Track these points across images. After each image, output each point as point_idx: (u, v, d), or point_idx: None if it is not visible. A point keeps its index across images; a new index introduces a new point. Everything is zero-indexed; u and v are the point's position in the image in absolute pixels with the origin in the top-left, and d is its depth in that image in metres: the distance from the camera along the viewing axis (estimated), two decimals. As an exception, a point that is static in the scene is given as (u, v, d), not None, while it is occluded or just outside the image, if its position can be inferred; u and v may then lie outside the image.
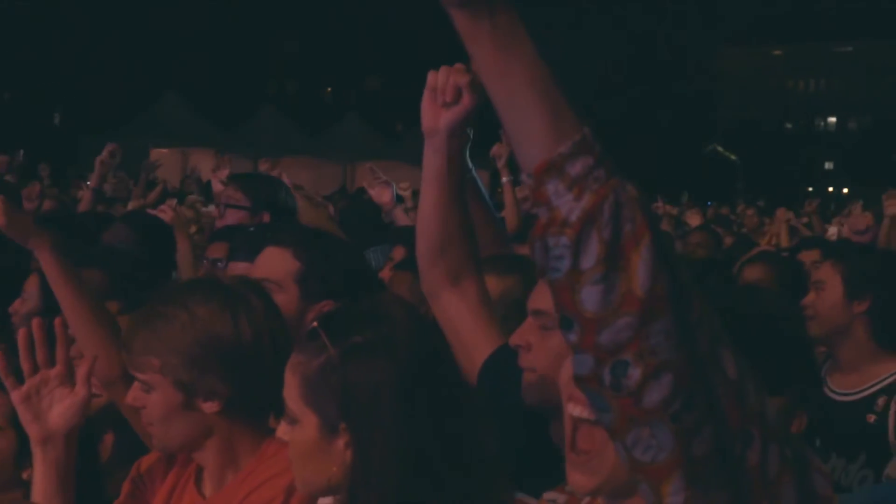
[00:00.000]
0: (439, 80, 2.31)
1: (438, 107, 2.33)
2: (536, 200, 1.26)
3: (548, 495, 1.76)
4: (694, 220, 11.30)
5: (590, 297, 1.23)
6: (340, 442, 1.78)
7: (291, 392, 1.82)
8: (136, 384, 2.19)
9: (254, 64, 32.49)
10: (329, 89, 38.49)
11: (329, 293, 2.62)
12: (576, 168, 1.24)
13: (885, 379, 3.61)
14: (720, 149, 52.59)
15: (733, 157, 52.21)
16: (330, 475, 1.80)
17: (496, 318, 2.48)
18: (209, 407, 2.15)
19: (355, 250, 3.09)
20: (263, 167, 4.48)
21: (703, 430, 1.27)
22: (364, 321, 1.84)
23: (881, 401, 3.59)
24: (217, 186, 5.29)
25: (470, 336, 2.43)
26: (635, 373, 1.24)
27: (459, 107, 2.30)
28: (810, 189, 52.44)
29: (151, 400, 2.17)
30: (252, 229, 3.33)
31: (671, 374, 1.25)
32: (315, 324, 1.82)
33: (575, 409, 1.51)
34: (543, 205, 1.25)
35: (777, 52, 70.46)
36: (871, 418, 3.54)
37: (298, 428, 1.82)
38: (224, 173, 5.24)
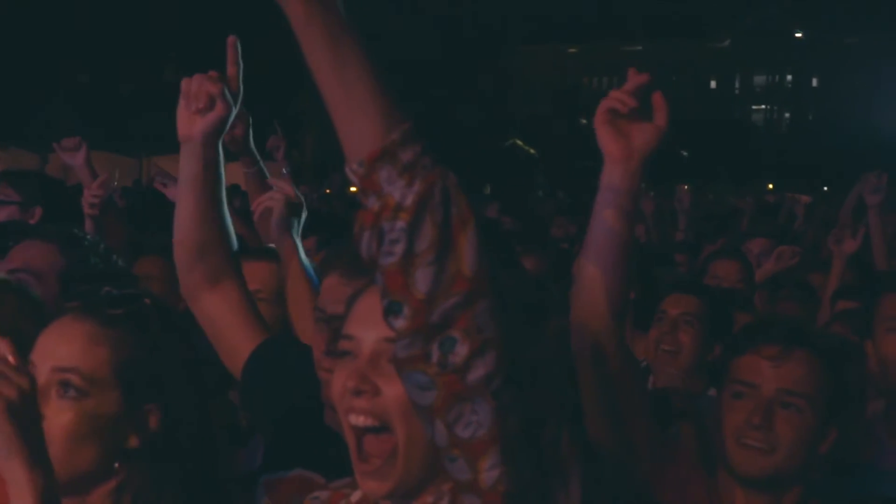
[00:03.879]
0: (192, 87, 2.36)
1: (193, 114, 2.36)
2: (366, 188, 1.31)
3: (311, 495, 1.75)
4: (490, 212, 11.59)
5: (423, 278, 1.29)
6: (131, 424, 1.74)
7: (95, 362, 1.73)
8: None
9: (44, 55, 31.03)
10: (124, 82, 37.18)
11: None
12: (406, 155, 1.30)
13: (642, 362, 3.83)
14: (519, 143, 53.95)
15: (532, 151, 53.66)
16: (99, 458, 1.73)
17: (258, 315, 2.53)
18: None
19: (113, 251, 3.05)
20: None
21: (516, 408, 1.35)
22: (159, 308, 1.83)
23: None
24: None
25: (233, 335, 2.47)
26: (462, 349, 1.30)
27: (213, 114, 2.35)
28: (605, 182, 54.30)
29: None
30: None
31: (494, 352, 1.31)
32: (148, 301, 1.81)
33: (358, 420, 1.52)
34: (373, 193, 1.30)
35: (573, 50, 72.91)
36: None
37: (86, 402, 1.72)
38: None
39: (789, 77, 72.18)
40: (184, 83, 2.38)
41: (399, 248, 1.29)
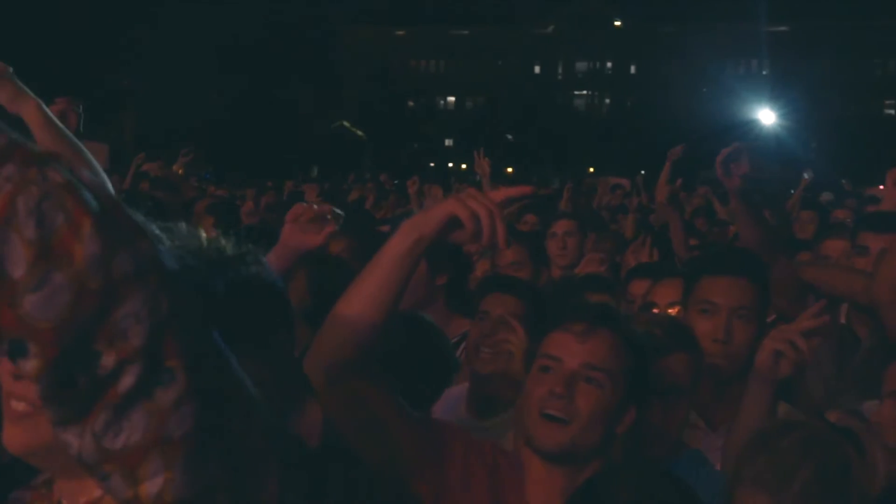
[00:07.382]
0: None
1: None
2: None
3: (12, 496, 1.66)
4: (310, 195, 11.55)
5: (37, 306, 1.07)
6: None
7: None
8: None
9: None
10: None
11: None
12: None
13: (457, 340, 3.87)
14: (347, 125, 53.78)
15: (360, 133, 53.63)
16: None
17: None
18: None
19: None
20: None
21: (183, 409, 1.18)
22: None
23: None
24: None
25: None
26: (108, 361, 1.12)
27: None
28: (432, 164, 54.94)
29: None
30: None
31: (145, 357, 1.14)
32: None
33: (19, 406, 1.42)
34: None
35: (400, 33, 73.07)
36: None
37: None
38: None
39: (609, 64, 74.49)
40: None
41: None
